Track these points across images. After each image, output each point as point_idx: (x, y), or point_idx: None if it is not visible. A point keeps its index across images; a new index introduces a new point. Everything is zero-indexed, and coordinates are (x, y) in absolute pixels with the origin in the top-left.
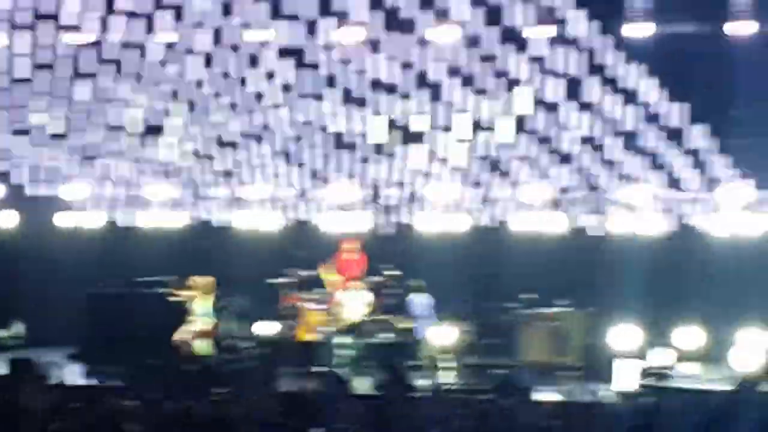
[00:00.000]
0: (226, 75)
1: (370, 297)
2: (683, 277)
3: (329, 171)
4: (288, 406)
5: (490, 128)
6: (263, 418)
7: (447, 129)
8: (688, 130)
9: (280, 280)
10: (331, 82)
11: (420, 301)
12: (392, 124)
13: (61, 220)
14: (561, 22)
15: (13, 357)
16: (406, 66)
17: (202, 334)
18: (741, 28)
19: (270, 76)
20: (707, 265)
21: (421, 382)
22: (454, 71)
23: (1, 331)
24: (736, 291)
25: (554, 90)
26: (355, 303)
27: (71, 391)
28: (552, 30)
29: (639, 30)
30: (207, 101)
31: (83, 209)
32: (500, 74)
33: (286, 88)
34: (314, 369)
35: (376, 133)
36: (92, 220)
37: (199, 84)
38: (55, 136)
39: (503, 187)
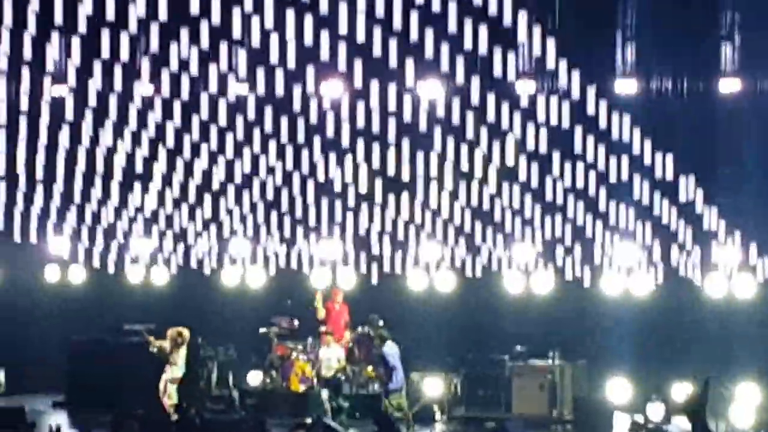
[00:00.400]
0: (208, 123)
1: (353, 349)
2: (677, 331)
3: (314, 220)
4: None
5: (478, 178)
6: None
7: (433, 178)
8: (678, 182)
9: (271, 329)
10: (315, 130)
11: (391, 351)
12: (378, 173)
13: (45, 269)
14: (550, 75)
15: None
16: (391, 115)
17: (176, 382)
18: (728, 86)
19: (253, 124)
20: (701, 320)
21: None
22: (439, 120)
23: None
24: (731, 346)
25: (541, 140)
26: (338, 354)
27: None
28: (538, 83)
29: (627, 85)
30: (191, 148)
31: (67, 257)
32: (487, 124)
33: (270, 136)
34: (306, 419)
35: (361, 182)
36: (76, 270)
37: (183, 131)
38: (38, 183)
39: (492, 237)
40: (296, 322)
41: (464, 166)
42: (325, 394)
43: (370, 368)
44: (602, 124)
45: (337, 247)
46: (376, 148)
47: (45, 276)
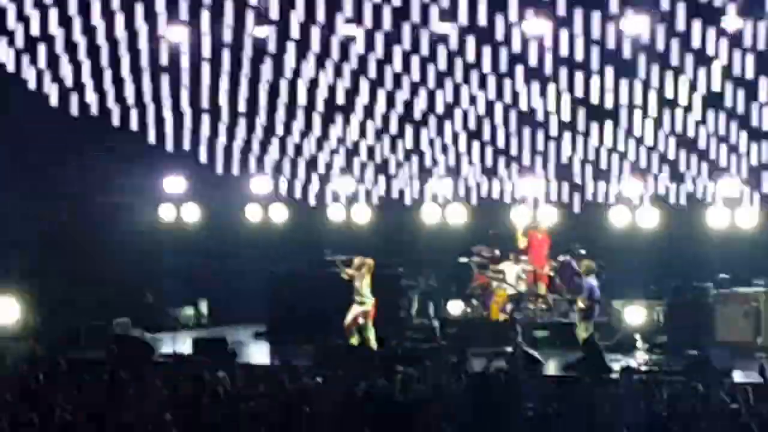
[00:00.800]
0: (409, 53)
1: (554, 278)
2: None
3: (516, 150)
4: (479, 386)
5: (682, 105)
6: (452, 398)
7: (637, 107)
8: None
9: (472, 259)
10: (517, 59)
11: (595, 283)
12: (580, 102)
13: (247, 207)
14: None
15: (201, 336)
16: (594, 43)
17: (365, 314)
18: None
19: (455, 54)
20: None
21: (612, 363)
22: (643, 48)
23: (189, 310)
24: None
25: (748, 66)
26: (540, 283)
27: (259, 370)
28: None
29: None
30: (392, 80)
31: (268, 194)
32: (692, 50)
33: (472, 66)
34: (506, 348)
35: (563, 111)
36: (277, 207)
37: (385, 62)
38: (241, 116)
39: (697, 166)
40: (497, 252)
41: (669, 94)
42: (532, 319)
43: (580, 300)
44: None
45: (539, 183)
46: (579, 76)
47: (247, 213)
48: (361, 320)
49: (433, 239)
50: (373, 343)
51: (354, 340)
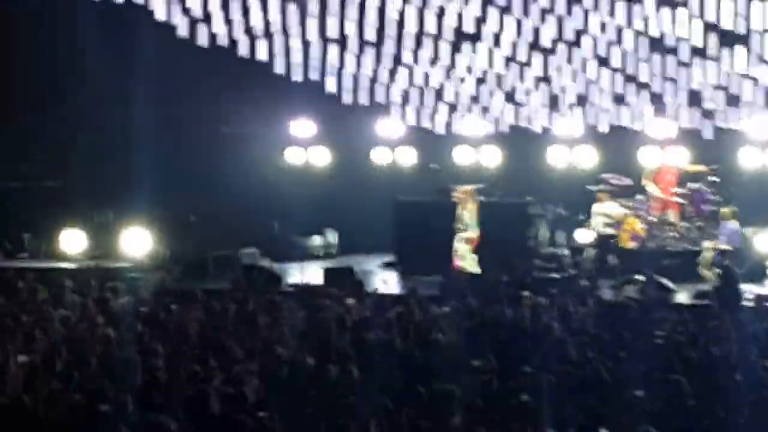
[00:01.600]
0: None
1: (688, 208)
2: None
3: (647, 75)
4: (609, 313)
5: None
6: (579, 326)
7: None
8: None
9: (601, 187)
10: None
11: (736, 228)
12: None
13: (375, 145)
14: None
15: (329, 266)
16: None
17: (468, 241)
18: None
19: None
20: None
21: (744, 291)
22: None
23: (318, 240)
24: None
25: None
26: (671, 213)
27: (387, 298)
28: None
29: None
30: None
31: (395, 132)
32: None
33: None
34: (636, 276)
35: (695, 36)
36: (404, 148)
37: None
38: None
39: None
40: (627, 180)
41: None
42: (661, 248)
43: (721, 244)
44: None
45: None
46: (710, 0)
47: (373, 156)
48: (464, 246)
49: (562, 171)
50: (475, 269)
51: (465, 265)
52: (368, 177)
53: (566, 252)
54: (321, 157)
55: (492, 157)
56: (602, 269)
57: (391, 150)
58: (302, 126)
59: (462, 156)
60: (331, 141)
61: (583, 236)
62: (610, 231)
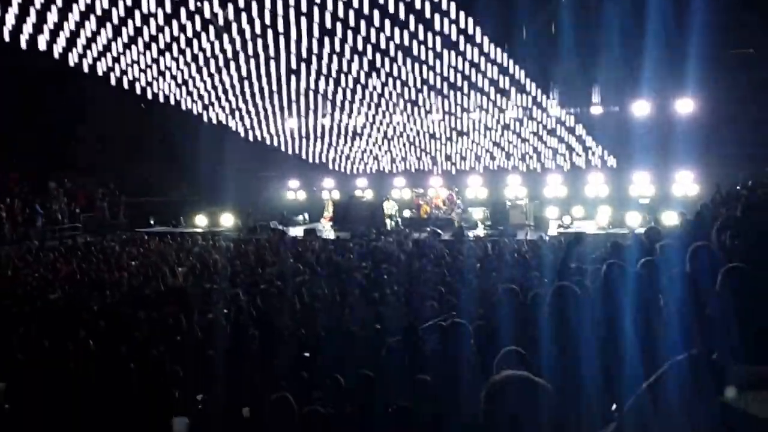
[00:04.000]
0: None
1: (447, 201)
2: None
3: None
4: (416, 243)
5: None
6: (407, 249)
7: None
8: None
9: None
10: None
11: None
12: None
13: None
14: None
15: (307, 228)
16: None
17: (327, 218)
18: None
19: None
20: None
21: (467, 235)
22: None
23: (301, 217)
24: None
25: None
26: (441, 203)
27: (329, 241)
28: None
29: None
30: None
31: None
32: None
33: None
34: (428, 228)
35: None
36: None
37: None
38: None
39: None
40: (422, 191)
41: None
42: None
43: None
44: None
45: None
46: None
47: None
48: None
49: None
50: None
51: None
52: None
53: (400, 219)
54: None
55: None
56: (413, 226)
57: None
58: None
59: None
60: None
61: (408, 214)
62: (416, 211)
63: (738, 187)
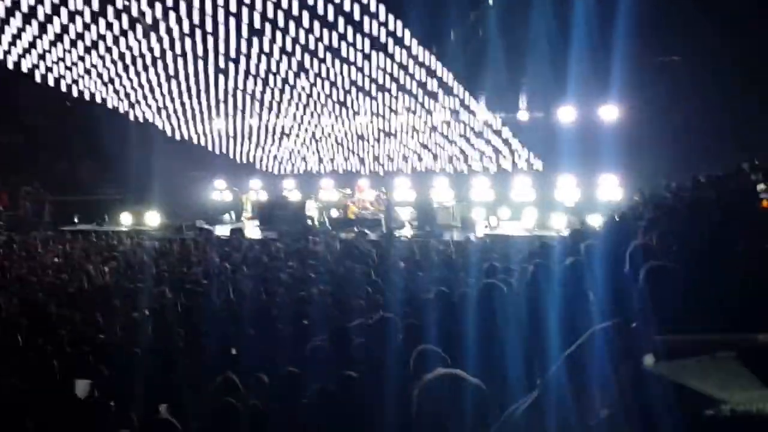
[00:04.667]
0: None
1: (375, 203)
2: None
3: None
4: (344, 242)
5: None
6: (337, 248)
7: None
8: None
9: (343, 193)
10: None
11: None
12: None
13: None
14: None
15: (233, 227)
16: None
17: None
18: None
19: None
20: None
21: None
22: None
23: (227, 216)
24: None
25: None
26: (369, 204)
27: (254, 241)
28: None
29: None
30: None
31: None
32: None
33: None
34: (355, 228)
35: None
36: None
37: None
38: None
39: None
40: (349, 191)
41: None
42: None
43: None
44: None
45: None
46: None
47: None
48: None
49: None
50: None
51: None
52: None
53: (327, 220)
54: None
55: None
56: (340, 226)
57: None
58: None
59: None
60: None
61: (335, 214)
62: (342, 212)
63: (665, 191)
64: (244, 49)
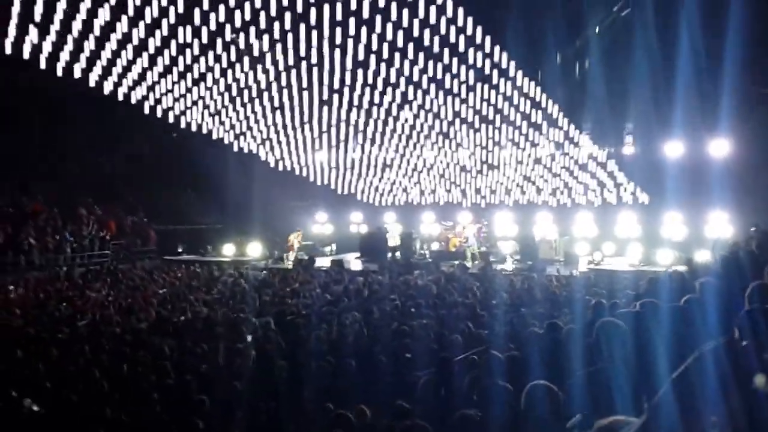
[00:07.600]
0: None
1: (477, 235)
2: None
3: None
4: (446, 276)
5: None
6: (437, 281)
7: None
8: None
9: (445, 225)
10: None
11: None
12: None
13: None
14: None
15: (334, 258)
16: None
17: (290, 248)
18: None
19: None
20: None
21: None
22: None
23: (328, 248)
24: None
25: None
26: (457, 239)
27: (355, 272)
28: None
29: None
30: None
31: None
32: None
33: None
34: (455, 262)
35: None
36: None
37: None
38: None
39: None
40: (451, 223)
41: None
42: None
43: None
44: None
45: None
46: None
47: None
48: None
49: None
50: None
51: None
52: None
53: (427, 252)
54: None
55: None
56: (441, 259)
57: None
58: None
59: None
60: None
61: (436, 247)
62: (444, 244)
63: None
64: (348, 81)
